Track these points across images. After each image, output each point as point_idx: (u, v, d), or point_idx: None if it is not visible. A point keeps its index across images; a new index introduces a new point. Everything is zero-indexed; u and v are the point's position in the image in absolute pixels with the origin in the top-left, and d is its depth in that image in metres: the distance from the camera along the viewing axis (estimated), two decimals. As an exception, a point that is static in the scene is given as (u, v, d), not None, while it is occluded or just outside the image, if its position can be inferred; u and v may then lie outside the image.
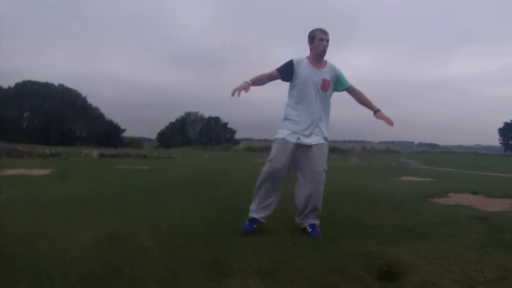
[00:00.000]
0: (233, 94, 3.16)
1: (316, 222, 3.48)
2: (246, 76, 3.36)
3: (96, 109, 54.65)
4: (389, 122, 3.37)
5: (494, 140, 56.91)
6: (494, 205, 5.24)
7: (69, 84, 57.84)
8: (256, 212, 3.45)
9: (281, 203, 4.53)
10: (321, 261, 2.71)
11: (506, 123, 53.93)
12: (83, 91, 59.37)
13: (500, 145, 54.93)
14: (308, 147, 3.34)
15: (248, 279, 2.38)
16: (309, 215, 3.46)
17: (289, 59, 3.43)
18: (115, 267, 2.49)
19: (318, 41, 3.34)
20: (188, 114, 65.07)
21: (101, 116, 54.22)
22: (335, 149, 38.96)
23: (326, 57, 3.48)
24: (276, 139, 3.41)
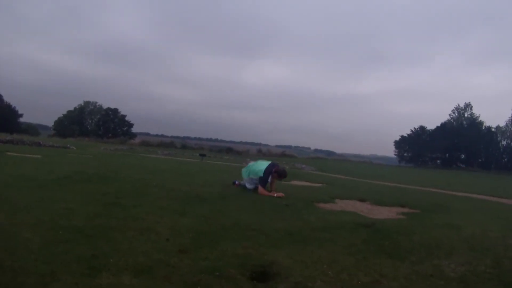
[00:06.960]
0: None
1: None
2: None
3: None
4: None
5: (389, 151, 61.04)
6: (380, 213, 5.36)
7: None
8: None
9: (162, 201, 4.79)
10: (197, 260, 2.73)
11: (402, 136, 58.09)
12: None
13: (395, 156, 58.95)
14: None
15: (123, 275, 2.35)
16: None
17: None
18: (-5, 259, 2.41)
19: (272, 177, 6.53)
20: (86, 103, 60.86)
21: (-1, 98, 49.63)
22: (230, 150, 40.08)
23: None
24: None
